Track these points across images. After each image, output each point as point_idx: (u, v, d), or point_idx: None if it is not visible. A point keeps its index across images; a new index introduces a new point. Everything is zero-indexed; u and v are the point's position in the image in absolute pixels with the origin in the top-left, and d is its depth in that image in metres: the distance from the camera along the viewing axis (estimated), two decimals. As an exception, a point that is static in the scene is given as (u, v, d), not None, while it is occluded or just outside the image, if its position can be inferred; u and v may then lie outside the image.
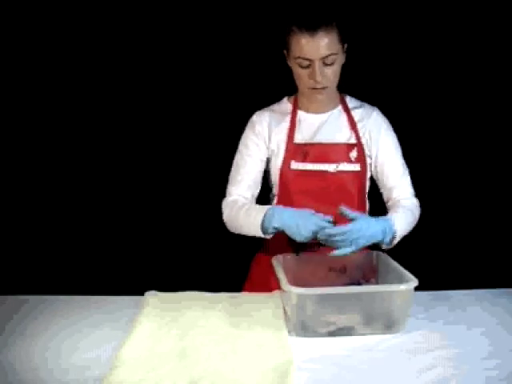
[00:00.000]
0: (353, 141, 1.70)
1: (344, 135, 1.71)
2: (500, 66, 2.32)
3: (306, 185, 1.68)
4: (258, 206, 1.67)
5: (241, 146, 1.76)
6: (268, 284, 1.68)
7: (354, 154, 1.69)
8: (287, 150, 1.70)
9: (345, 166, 1.68)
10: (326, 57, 1.56)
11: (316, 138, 1.70)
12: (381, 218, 1.57)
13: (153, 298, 1.59)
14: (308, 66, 1.58)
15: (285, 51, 1.66)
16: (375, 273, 1.62)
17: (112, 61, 2.32)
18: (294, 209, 1.57)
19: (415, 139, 2.36)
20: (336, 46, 1.57)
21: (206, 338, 1.36)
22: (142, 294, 1.62)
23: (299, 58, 1.58)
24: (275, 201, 1.75)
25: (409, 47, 2.31)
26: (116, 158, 2.42)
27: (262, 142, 1.73)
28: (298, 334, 1.38)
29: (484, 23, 2.28)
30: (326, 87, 1.62)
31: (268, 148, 1.73)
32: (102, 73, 2.33)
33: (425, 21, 2.29)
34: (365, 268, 1.63)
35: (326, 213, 1.53)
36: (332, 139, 1.70)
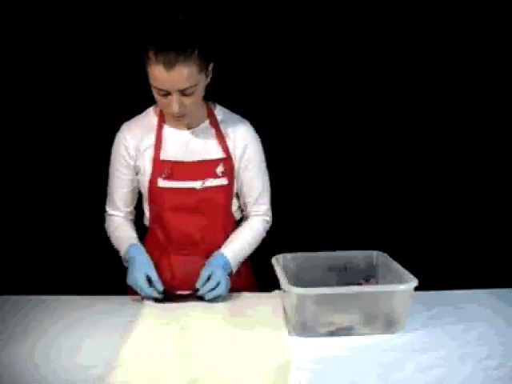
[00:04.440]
0: (220, 155, 1.68)
1: (212, 151, 1.68)
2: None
3: (174, 201, 1.67)
4: (124, 237, 1.71)
5: (111, 160, 1.73)
6: None
7: (220, 169, 1.68)
8: (154, 168, 1.66)
9: (211, 182, 1.67)
10: (185, 89, 1.49)
11: (183, 154, 1.66)
12: (213, 259, 1.63)
13: (153, 297, 1.59)
14: (165, 95, 1.50)
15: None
16: (375, 273, 1.62)
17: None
18: (145, 262, 1.60)
19: (419, 141, 2.36)
20: (196, 77, 1.49)
21: (206, 337, 1.36)
22: (142, 294, 1.62)
23: (156, 87, 1.50)
24: (148, 215, 1.76)
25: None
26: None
27: (130, 160, 1.69)
28: (298, 334, 1.38)
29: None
30: (186, 114, 1.57)
31: (135, 165, 1.70)
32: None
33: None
34: (365, 268, 1.63)
35: (196, 224, 1.68)
36: (199, 156, 1.67)
